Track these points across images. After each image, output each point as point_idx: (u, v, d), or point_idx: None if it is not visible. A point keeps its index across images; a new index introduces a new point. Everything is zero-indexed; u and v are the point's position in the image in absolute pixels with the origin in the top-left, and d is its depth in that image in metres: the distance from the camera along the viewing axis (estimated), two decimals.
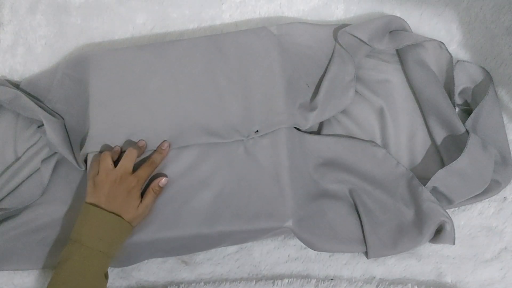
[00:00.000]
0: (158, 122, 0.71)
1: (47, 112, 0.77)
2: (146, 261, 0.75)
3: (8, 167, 0.78)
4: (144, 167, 0.68)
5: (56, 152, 0.76)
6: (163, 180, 0.68)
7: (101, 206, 0.64)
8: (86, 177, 0.70)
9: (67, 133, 0.78)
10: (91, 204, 0.65)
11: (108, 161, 0.67)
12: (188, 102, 0.72)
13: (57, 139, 0.74)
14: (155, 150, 0.70)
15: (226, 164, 0.69)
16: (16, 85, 0.81)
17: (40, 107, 0.77)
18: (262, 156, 0.68)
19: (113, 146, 0.71)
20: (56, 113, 0.79)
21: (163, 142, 0.70)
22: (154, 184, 0.67)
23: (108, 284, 0.75)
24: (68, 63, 0.78)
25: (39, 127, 0.79)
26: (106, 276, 0.64)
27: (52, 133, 0.73)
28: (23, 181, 0.77)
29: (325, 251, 0.69)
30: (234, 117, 0.70)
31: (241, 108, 0.71)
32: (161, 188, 0.68)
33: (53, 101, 0.79)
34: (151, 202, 0.67)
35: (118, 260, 0.72)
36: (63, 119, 0.79)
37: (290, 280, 0.70)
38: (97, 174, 0.67)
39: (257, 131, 0.69)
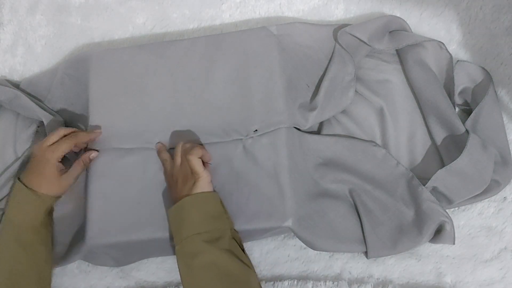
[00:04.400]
0: (156, 121, 0.71)
1: (47, 111, 0.77)
2: (145, 261, 0.75)
3: (8, 167, 0.78)
4: (64, 140, 0.68)
5: None
6: (93, 153, 0.69)
7: (22, 181, 0.65)
8: (85, 176, 0.71)
9: None
10: (19, 178, 0.66)
11: (49, 138, 0.67)
12: (186, 102, 0.72)
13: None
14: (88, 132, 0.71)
15: (225, 163, 0.69)
16: (16, 85, 0.81)
17: (40, 107, 0.77)
18: (261, 155, 0.68)
19: (111, 145, 0.71)
20: (56, 112, 0.79)
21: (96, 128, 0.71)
22: (84, 156, 0.69)
23: (108, 284, 0.75)
24: (68, 63, 0.78)
25: (39, 127, 0.79)
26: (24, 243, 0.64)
27: None
28: None
29: (325, 250, 0.69)
30: (232, 117, 0.70)
31: (240, 108, 0.71)
32: (91, 161, 0.69)
33: (53, 101, 0.80)
34: (78, 172, 0.68)
35: (117, 259, 0.72)
36: (63, 119, 0.79)
37: (290, 282, 0.70)
38: None
39: (256, 130, 0.69)
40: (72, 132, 0.69)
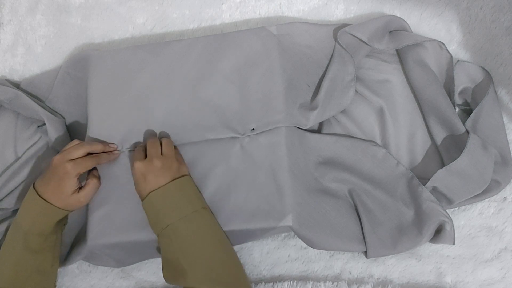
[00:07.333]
0: (152, 120, 0.71)
1: (48, 111, 0.77)
2: (146, 261, 0.75)
3: (8, 167, 0.78)
4: (86, 158, 0.67)
5: (55, 152, 0.76)
6: (95, 171, 0.70)
7: (37, 190, 0.64)
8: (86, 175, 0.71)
9: (68, 132, 0.78)
10: (34, 185, 0.65)
11: (72, 152, 0.66)
12: (183, 100, 0.72)
13: (59, 138, 0.74)
14: (105, 152, 0.70)
15: (222, 162, 0.69)
16: (16, 85, 0.81)
17: (41, 107, 0.77)
18: (258, 153, 0.68)
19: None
20: (57, 112, 0.79)
21: (111, 144, 0.71)
22: (91, 174, 0.68)
23: (108, 284, 0.75)
24: (69, 62, 0.78)
25: (39, 127, 0.79)
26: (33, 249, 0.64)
27: (54, 132, 0.74)
28: (23, 181, 0.77)
29: (325, 249, 0.69)
30: (230, 114, 0.70)
31: (238, 107, 0.71)
32: (99, 180, 0.69)
33: (54, 101, 0.80)
34: (95, 191, 0.68)
35: (118, 260, 0.72)
36: (64, 118, 0.79)
37: (289, 283, 0.70)
38: None
39: (253, 129, 0.69)
40: (88, 146, 0.67)
